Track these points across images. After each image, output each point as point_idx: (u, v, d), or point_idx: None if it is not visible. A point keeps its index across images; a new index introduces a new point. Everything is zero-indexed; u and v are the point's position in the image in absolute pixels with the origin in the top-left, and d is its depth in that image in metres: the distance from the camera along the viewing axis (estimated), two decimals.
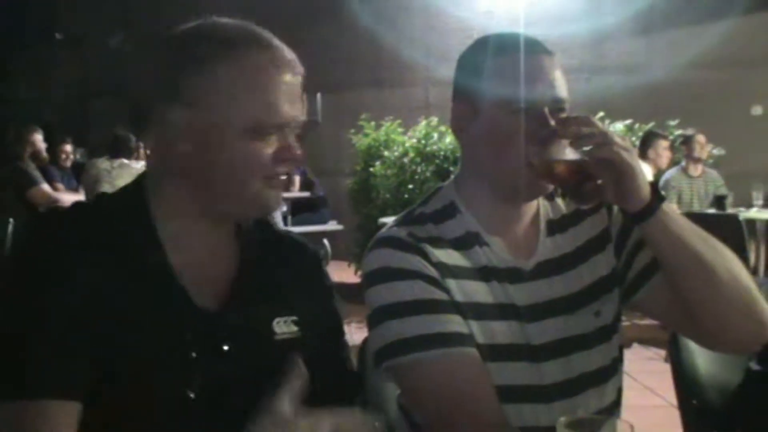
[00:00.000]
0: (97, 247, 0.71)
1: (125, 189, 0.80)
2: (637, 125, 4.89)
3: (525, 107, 0.86)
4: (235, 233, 0.81)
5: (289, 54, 0.76)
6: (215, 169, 0.74)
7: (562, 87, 0.88)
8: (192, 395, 0.71)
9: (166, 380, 0.71)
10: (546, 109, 0.86)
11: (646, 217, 0.83)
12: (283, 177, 0.76)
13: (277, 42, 0.76)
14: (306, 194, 6.47)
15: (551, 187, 0.91)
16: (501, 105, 0.87)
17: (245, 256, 0.80)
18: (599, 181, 0.81)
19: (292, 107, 0.74)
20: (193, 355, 0.72)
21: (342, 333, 0.87)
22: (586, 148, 0.80)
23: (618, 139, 0.80)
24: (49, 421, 0.65)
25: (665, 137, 4.41)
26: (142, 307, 0.71)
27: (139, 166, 4.12)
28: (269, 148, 0.73)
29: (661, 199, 0.84)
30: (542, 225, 0.95)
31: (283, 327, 0.78)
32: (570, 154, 0.80)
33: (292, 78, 0.74)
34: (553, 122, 0.84)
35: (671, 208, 0.85)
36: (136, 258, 0.72)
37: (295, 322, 0.79)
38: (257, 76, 0.72)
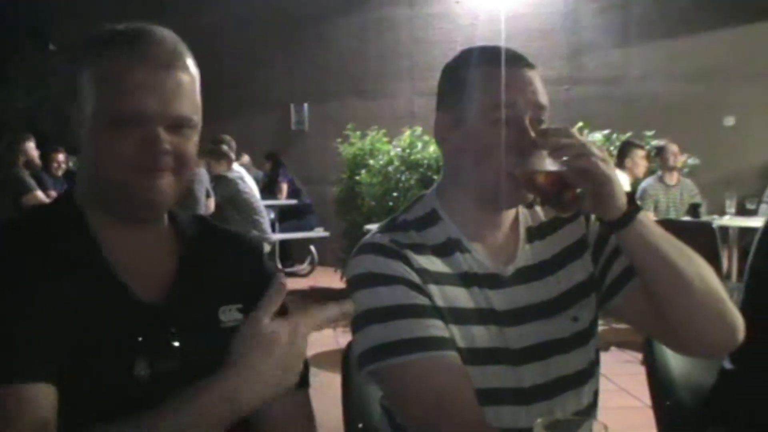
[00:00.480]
0: (36, 252, 0.73)
1: (60, 195, 0.84)
2: (614, 135, 4.97)
3: (506, 119, 0.88)
4: (173, 229, 0.84)
5: (167, 52, 0.76)
6: (92, 164, 0.78)
7: (542, 100, 0.91)
8: (142, 381, 0.73)
9: (113, 370, 0.73)
10: (527, 121, 0.88)
11: (623, 225, 0.86)
12: (159, 168, 0.76)
13: (156, 39, 0.77)
14: (293, 202, 6.47)
15: (531, 196, 0.93)
16: (483, 116, 0.89)
17: (184, 251, 0.83)
18: (578, 191, 0.84)
19: (159, 102, 0.75)
20: (140, 342, 0.74)
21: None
22: (565, 159, 0.82)
23: (596, 150, 0.83)
24: (28, 404, 0.66)
25: (642, 147, 4.50)
26: (85, 306, 0.73)
27: None
28: (131, 139, 0.75)
29: (638, 208, 0.86)
30: (521, 232, 0.98)
31: (229, 314, 0.81)
32: (549, 164, 0.83)
33: (164, 75, 0.75)
34: (533, 133, 0.87)
35: (647, 217, 0.88)
36: (74, 261, 0.75)
37: (240, 310, 0.82)
38: (118, 71, 0.75)
